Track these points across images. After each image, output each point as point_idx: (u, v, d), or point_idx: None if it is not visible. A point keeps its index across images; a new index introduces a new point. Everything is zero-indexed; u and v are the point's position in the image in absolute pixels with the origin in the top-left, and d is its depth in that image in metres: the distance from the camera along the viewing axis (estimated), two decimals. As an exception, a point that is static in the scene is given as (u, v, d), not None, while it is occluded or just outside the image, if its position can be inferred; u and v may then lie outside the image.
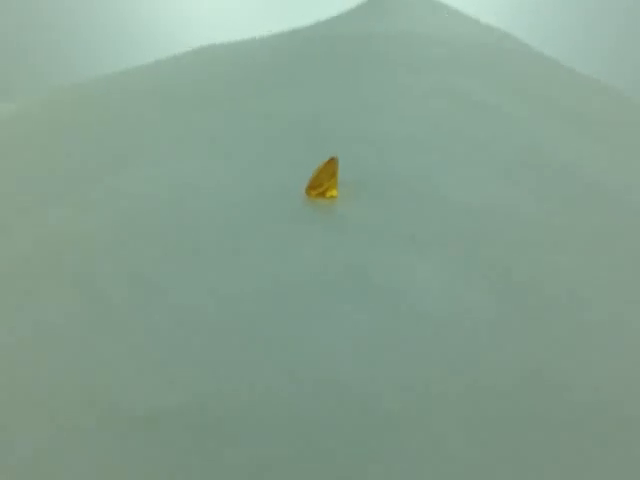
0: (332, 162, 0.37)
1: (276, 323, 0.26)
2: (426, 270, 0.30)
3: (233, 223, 0.33)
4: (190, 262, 0.30)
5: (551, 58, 0.56)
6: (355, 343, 0.25)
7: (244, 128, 0.43)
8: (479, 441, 0.21)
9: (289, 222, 0.34)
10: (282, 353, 0.25)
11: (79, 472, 0.20)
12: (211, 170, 0.38)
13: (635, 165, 0.42)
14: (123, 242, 0.31)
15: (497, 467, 0.20)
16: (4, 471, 0.20)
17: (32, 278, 0.31)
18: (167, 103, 0.46)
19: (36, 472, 0.20)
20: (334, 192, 0.37)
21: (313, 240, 0.32)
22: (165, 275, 0.29)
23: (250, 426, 0.21)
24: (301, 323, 0.26)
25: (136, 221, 0.33)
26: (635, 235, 0.34)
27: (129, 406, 0.22)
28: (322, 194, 0.37)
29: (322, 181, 0.36)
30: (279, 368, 0.24)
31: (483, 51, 0.57)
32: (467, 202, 0.36)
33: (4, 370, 0.24)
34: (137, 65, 0.52)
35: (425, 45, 0.59)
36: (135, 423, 0.21)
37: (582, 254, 0.32)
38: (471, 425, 0.22)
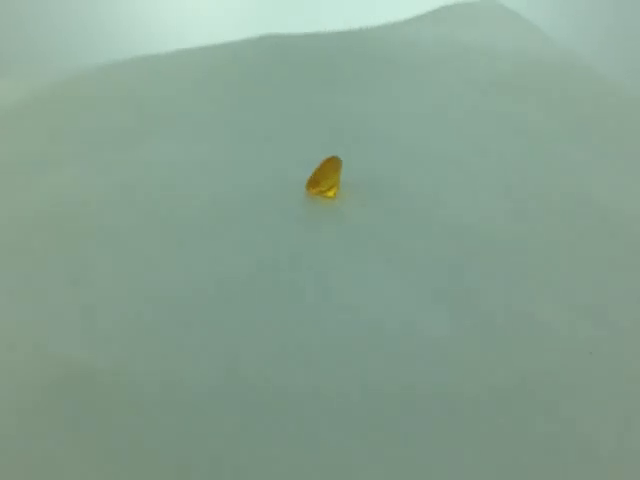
0: (335, 161, 0.38)
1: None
2: (390, 287, 0.30)
3: (225, 208, 0.35)
4: (175, 238, 0.33)
5: (615, 83, 0.53)
6: (302, 354, 0.27)
7: (266, 121, 0.45)
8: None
9: (280, 216, 0.36)
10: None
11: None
12: (216, 158, 0.40)
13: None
14: (116, 212, 0.35)
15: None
16: None
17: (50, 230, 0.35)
18: (190, 90, 0.50)
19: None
20: (333, 192, 0.38)
21: (290, 237, 0.34)
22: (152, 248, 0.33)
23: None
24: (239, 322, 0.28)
25: (134, 193, 0.37)
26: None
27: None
28: (322, 192, 0.38)
29: (323, 179, 0.38)
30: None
31: (540, 70, 0.55)
32: (461, 223, 0.36)
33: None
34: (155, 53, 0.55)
35: (480, 58, 0.57)
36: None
37: (555, 281, 0.31)
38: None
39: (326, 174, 0.38)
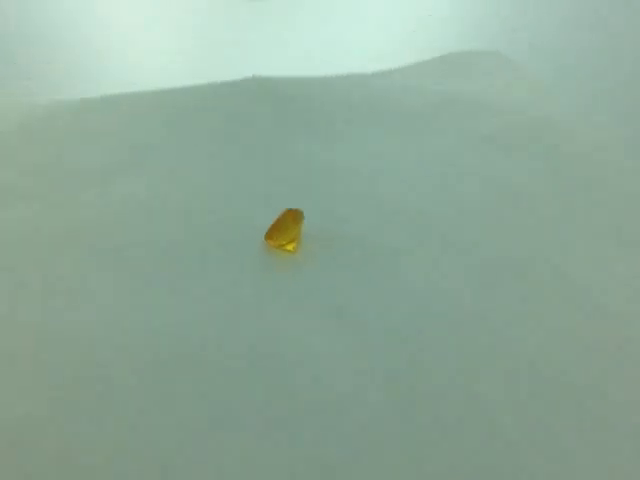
0: (296, 214, 0.36)
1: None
2: (325, 345, 0.29)
3: (182, 255, 0.35)
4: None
5: (616, 145, 0.51)
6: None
7: (238, 165, 0.45)
8: None
9: (237, 268, 0.34)
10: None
11: None
12: (180, 198, 0.39)
13: None
14: (63, 253, 0.34)
15: None
16: None
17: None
18: (166, 130, 0.49)
19: None
20: (292, 247, 0.36)
21: (242, 290, 0.32)
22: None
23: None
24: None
25: (87, 233, 0.36)
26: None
27: None
28: (282, 246, 0.36)
29: (282, 231, 0.36)
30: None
31: (535, 127, 0.53)
32: (420, 287, 0.33)
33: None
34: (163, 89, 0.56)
35: (477, 110, 0.56)
36: None
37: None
38: None
39: (286, 226, 0.36)
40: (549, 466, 0.24)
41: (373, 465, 0.24)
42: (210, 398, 0.26)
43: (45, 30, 0.79)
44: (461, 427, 0.25)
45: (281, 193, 0.41)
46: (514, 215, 0.41)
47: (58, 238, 0.37)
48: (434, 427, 0.25)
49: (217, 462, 0.23)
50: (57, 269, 0.34)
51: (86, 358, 0.28)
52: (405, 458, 0.24)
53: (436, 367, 0.28)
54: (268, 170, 0.44)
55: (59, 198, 0.39)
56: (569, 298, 0.33)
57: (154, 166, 0.44)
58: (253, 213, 0.39)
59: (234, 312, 0.32)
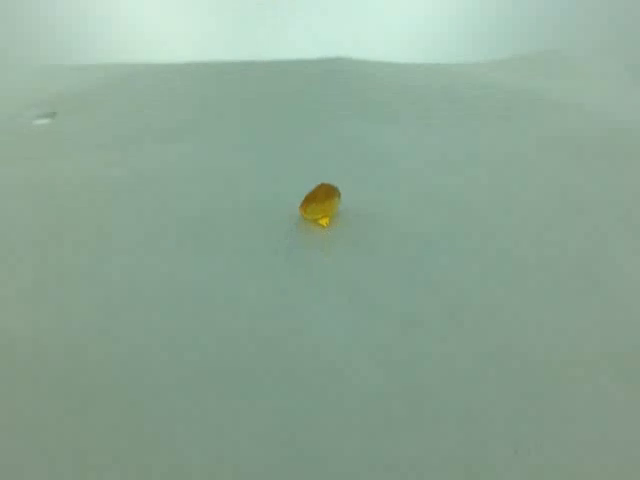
0: (329, 189, 0.36)
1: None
2: (330, 322, 0.28)
3: (217, 219, 0.35)
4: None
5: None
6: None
7: (283, 137, 0.45)
8: None
9: (264, 232, 0.35)
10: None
11: None
12: (220, 165, 0.40)
13: None
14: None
15: None
16: None
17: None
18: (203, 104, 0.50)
19: None
20: (325, 221, 0.36)
21: (262, 258, 0.32)
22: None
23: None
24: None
25: (136, 189, 0.37)
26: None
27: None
28: (315, 219, 0.36)
29: (317, 204, 0.36)
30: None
31: (605, 133, 0.49)
32: (442, 278, 0.32)
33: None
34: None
35: (544, 111, 0.53)
36: None
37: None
38: None
39: (318, 199, 0.36)
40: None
41: (364, 447, 0.23)
42: (215, 368, 0.27)
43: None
44: (461, 424, 0.24)
45: (325, 170, 0.41)
46: (570, 222, 0.38)
47: (118, 187, 0.39)
48: (433, 418, 0.24)
49: (217, 423, 0.24)
50: (111, 218, 0.36)
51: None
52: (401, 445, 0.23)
53: (441, 363, 0.26)
54: (316, 147, 0.44)
55: (130, 149, 0.42)
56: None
57: (211, 130, 0.45)
58: (294, 186, 0.39)
59: (249, 277, 0.32)
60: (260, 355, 0.26)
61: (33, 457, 0.22)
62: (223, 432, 0.23)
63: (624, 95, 0.56)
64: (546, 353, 0.27)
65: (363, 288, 0.31)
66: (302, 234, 0.36)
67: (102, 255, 0.33)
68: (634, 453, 0.23)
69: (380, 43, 0.78)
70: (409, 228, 0.36)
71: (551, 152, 0.47)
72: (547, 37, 0.70)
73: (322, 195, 0.36)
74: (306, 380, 0.25)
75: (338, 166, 0.42)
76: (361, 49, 0.74)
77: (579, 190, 0.41)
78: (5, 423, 0.23)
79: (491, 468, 0.22)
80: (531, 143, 0.49)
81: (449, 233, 0.36)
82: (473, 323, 0.29)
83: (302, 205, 0.36)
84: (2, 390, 0.24)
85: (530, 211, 0.38)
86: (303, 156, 0.43)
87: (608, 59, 0.65)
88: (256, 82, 0.59)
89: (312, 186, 0.37)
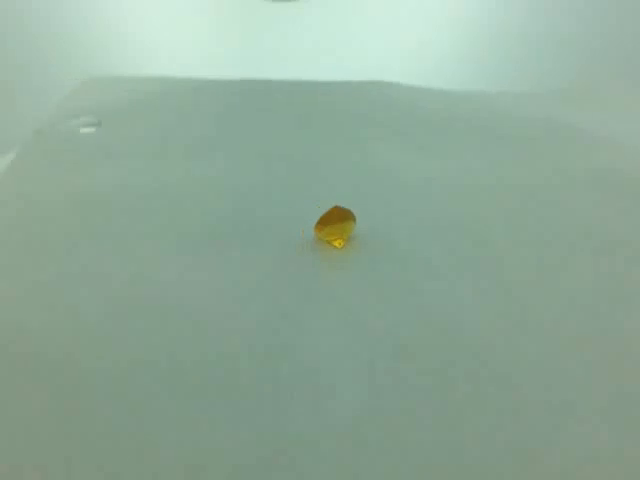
0: (343, 212, 0.37)
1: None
2: (330, 348, 0.29)
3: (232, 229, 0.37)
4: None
5: None
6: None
7: (299, 156, 0.46)
8: None
9: (277, 247, 0.36)
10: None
11: None
12: (242, 180, 0.42)
13: None
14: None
15: None
16: None
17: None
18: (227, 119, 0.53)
19: None
20: (339, 243, 0.37)
21: (272, 271, 0.34)
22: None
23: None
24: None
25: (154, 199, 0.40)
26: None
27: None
28: (329, 240, 0.37)
29: (330, 226, 0.37)
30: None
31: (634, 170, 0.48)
32: (448, 311, 0.32)
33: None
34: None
35: (580, 146, 0.52)
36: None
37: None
38: None
39: (332, 221, 0.37)
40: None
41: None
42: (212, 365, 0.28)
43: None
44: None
45: (345, 192, 0.42)
46: (585, 262, 0.37)
47: (142, 196, 0.41)
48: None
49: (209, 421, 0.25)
50: (133, 224, 0.39)
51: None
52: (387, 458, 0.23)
53: (426, 393, 0.27)
54: (339, 169, 0.45)
55: (160, 161, 0.45)
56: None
57: (240, 146, 0.47)
58: (312, 206, 0.41)
59: (253, 292, 0.33)
60: (249, 368, 0.28)
61: (26, 445, 0.23)
62: (206, 437, 0.24)
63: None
64: (546, 394, 0.27)
65: (361, 311, 0.32)
66: (314, 254, 0.37)
67: (118, 259, 0.36)
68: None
69: (421, 68, 0.79)
70: (417, 255, 0.37)
71: (577, 187, 0.47)
72: (581, 70, 0.70)
73: (336, 217, 0.37)
74: (290, 393, 0.26)
75: (358, 189, 0.44)
76: (402, 74, 0.75)
77: (601, 228, 0.41)
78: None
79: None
80: (558, 177, 0.48)
81: (458, 263, 0.36)
82: (465, 357, 0.29)
83: (317, 226, 0.38)
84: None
85: (544, 247, 0.38)
86: (325, 177, 0.45)
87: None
88: (293, 101, 0.61)
89: (329, 207, 0.38)
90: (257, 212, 0.41)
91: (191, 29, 0.90)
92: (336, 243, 0.37)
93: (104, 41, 0.76)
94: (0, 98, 0.64)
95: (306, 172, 0.46)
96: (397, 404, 0.26)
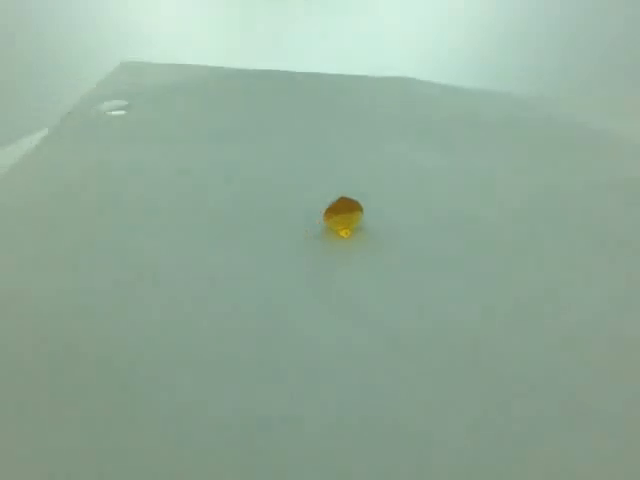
0: (350, 203, 0.38)
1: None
2: (324, 333, 0.30)
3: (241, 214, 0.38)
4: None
5: None
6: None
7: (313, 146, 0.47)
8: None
9: (285, 235, 0.37)
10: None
11: None
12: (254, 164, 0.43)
13: None
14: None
15: None
16: None
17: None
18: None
19: None
20: (345, 232, 0.38)
21: (278, 259, 0.34)
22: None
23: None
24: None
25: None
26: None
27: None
28: (337, 230, 0.38)
29: (338, 216, 0.38)
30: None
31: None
32: (447, 311, 0.32)
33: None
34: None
35: (612, 154, 0.51)
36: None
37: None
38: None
39: (338, 211, 0.38)
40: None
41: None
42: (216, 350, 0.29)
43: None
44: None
45: (359, 184, 0.43)
46: (601, 270, 0.36)
47: (162, 177, 0.43)
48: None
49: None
50: (150, 202, 0.40)
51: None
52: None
53: (412, 389, 0.27)
54: (357, 161, 0.45)
55: (183, 145, 0.47)
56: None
57: (262, 135, 0.48)
58: (326, 196, 0.41)
59: (256, 274, 0.34)
60: (246, 346, 0.29)
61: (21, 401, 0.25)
62: (198, 412, 0.25)
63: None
64: (545, 392, 0.27)
65: (359, 300, 0.33)
66: (320, 242, 0.38)
67: (133, 233, 0.37)
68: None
69: (448, 66, 0.79)
70: (424, 251, 0.37)
71: (607, 194, 0.45)
72: (629, 81, 0.68)
73: (344, 208, 0.38)
74: (283, 371, 0.27)
75: (372, 182, 0.44)
76: (428, 71, 0.75)
77: (623, 238, 0.40)
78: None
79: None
80: (588, 183, 0.47)
81: (462, 261, 0.36)
82: (462, 353, 0.29)
83: (325, 214, 0.38)
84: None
85: (559, 253, 0.38)
86: (342, 169, 0.45)
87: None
88: (319, 94, 0.61)
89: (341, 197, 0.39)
90: (270, 198, 0.42)
91: (224, 21, 0.92)
92: (342, 233, 0.38)
93: (140, 29, 0.78)
94: (39, 79, 0.67)
95: (322, 163, 0.47)
96: (389, 390, 0.27)
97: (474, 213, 0.41)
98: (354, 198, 0.39)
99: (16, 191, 0.43)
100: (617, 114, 0.62)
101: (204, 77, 0.69)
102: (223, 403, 0.25)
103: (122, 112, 0.59)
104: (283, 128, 0.54)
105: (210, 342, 0.29)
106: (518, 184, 0.46)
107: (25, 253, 0.35)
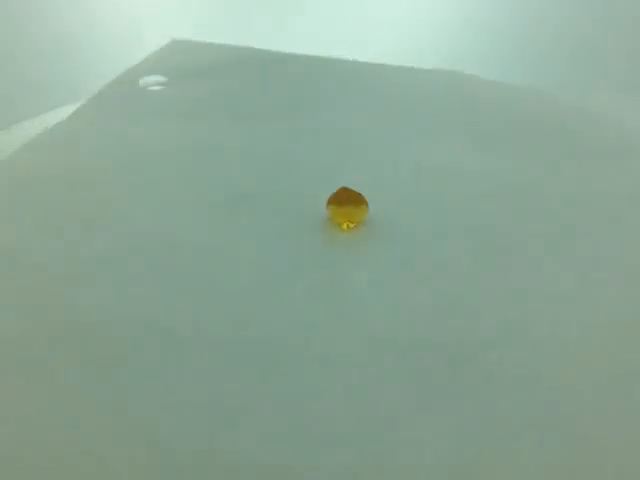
0: (353, 195, 0.37)
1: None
2: (315, 324, 0.29)
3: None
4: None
5: None
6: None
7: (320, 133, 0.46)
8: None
9: (288, 224, 0.37)
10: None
11: None
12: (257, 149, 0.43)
13: None
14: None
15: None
16: None
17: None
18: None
19: None
20: (346, 226, 0.37)
21: (277, 247, 0.34)
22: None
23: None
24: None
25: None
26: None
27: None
28: (339, 222, 0.37)
29: (343, 208, 0.37)
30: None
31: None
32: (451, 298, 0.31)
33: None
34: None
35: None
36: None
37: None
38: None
39: (342, 203, 0.37)
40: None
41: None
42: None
43: None
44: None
45: (376, 177, 0.42)
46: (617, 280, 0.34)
47: (185, 154, 0.44)
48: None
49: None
50: (168, 179, 0.41)
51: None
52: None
53: (399, 392, 0.26)
54: (381, 154, 0.44)
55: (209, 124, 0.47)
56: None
57: (287, 118, 0.48)
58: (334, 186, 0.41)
59: (254, 258, 0.34)
60: (238, 333, 0.29)
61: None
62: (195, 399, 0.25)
63: None
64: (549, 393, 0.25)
65: (354, 295, 0.32)
66: (321, 233, 0.37)
67: (145, 207, 0.38)
68: None
69: (499, 63, 0.75)
70: (424, 252, 0.35)
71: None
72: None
73: (349, 200, 0.37)
74: (276, 361, 0.27)
75: (390, 176, 0.43)
76: (479, 66, 0.72)
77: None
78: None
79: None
80: (621, 189, 0.44)
81: (467, 262, 0.34)
82: (455, 355, 0.28)
83: (329, 205, 0.37)
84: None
85: (573, 261, 0.35)
86: (365, 160, 0.44)
87: None
88: (362, 82, 0.61)
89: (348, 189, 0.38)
90: (280, 183, 0.42)
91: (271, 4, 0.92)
92: (344, 226, 0.37)
93: (191, 6, 0.80)
94: (87, 52, 0.70)
95: (343, 153, 0.46)
96: (377, 388, 0.26)
97: (492, 217, 0.39)
98: (363, 192, 0.38)
99: (40, 158, 0.45)
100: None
101: (248, 59, 0.70)
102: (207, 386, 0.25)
103: (160, 87, 0.61)
104: (317, 115, 0.53)
105: (203, 328, 0.29)
106: (547, 190, 0.43)
107: (39, 220, 0.37)
